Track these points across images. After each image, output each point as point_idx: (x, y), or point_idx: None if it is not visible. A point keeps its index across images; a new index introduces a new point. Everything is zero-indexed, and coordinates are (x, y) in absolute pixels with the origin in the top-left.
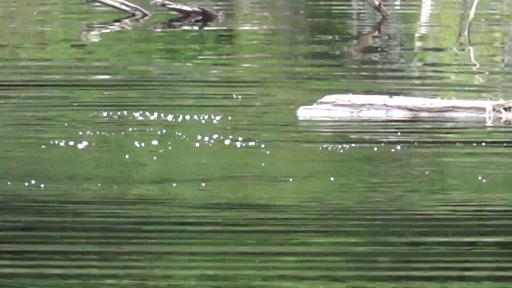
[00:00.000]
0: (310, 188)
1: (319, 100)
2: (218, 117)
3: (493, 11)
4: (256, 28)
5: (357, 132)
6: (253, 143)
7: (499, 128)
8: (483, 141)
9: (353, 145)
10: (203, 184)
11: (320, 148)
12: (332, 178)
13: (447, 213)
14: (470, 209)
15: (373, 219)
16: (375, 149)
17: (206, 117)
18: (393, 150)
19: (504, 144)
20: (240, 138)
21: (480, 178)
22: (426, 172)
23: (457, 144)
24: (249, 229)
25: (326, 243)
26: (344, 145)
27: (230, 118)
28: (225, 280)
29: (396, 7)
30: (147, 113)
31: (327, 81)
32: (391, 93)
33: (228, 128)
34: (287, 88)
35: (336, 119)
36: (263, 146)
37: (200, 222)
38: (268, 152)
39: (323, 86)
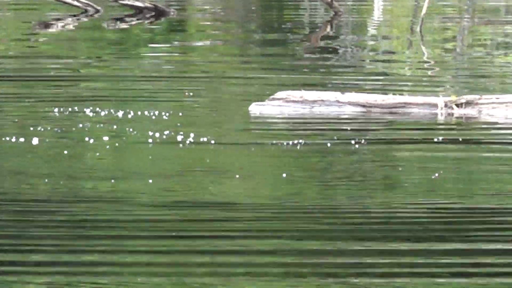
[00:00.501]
0: (262, 185)
1: (271, 97)
2: (169, 113)
3: (445, 7)
4: (208, 23)
5: (310, 128)
6: (204, 139)
7: (451, 124)
8: (435, 137)
9: (305, 141)
10: (154, 181)
11: (272, 144)
12: (284, 175)
13: (401, 212)
14: (424, 208)
15: (326, 217)
16: (328, 145)
17: (157, 113)
18: (345, 146)
19: (456, 140)
20: (192, 135)
21: (433, 174)
22: (379, 169)
23: (409, 140)
24: (200, 227)
25: (278, 243)
26: (297, 141)
27: (181, 114)
28: (175, 276)
29: (349, 2)
30: (98, 109)
31: (279, 78)
32: (343, 89)
33: (179, 124)
34: (239, 85)
35: (288, 115)
36: (214, 142)
37: (150, 219)
38: (220, 148)
39: (275, 82)
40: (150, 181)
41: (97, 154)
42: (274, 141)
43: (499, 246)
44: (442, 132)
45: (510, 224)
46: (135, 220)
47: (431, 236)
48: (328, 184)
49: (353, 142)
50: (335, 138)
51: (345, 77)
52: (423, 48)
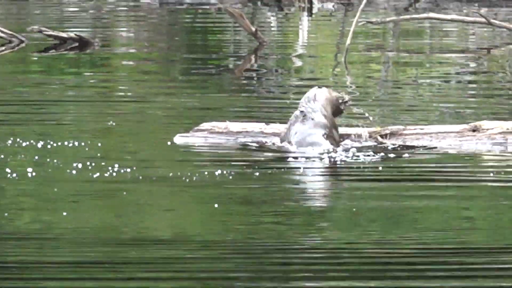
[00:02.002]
0: (190, 217)
1: (196, 128)
2: (93, 143)
3: (370, 38)
4: (133, 51)
5: (235, 159)
6: (127, 170)
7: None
8: (358, 167)
9: (230, 171)
10: (76, 214)
11: (198, 174)
12: (211, 207)
13: (317, 245)
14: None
15: (252, 249)
16: (256, 173)
17: (82, 143)
18: (269, 175)
19: (379, 172)
20: (116, 165)
21: (353, 209)
22: (300, 200)
23: (334, 171)
24: (121, 262)
25: (205, 276)
26: (222, 171)
27: (103, 143)
28: None
29: (274, 33)
30: (19, 139)
31: (204, 109)
32: (267, 121)
33: (101, 154)
34: (163, 115)
35: (213, 145)
36: (138, 174)
37: (71, 254)
38: (144, 180)
39: (200, 113)
40: (65, 213)
41: (20, 186)
42: (201, 171)
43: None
44: (366, 162)
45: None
46: (56, 255)
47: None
48: (255, 216)
49: (270, 172)
50: (256, 167)
51: (270, 108)
52: (348, 79)
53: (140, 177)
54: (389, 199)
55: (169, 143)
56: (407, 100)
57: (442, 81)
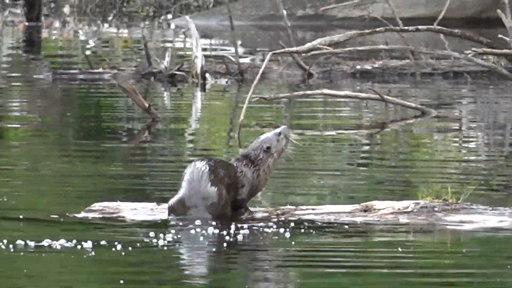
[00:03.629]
0: None
1: (87, 208)
2: None
3: (263, 112)
4: (24, 127)
5: (127, 239)
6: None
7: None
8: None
9: (119, 251)
10: None
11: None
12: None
13: None
14: None
15: None
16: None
17: None
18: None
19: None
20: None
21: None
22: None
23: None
24: None
25: None
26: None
27: None
28: None
29: (167, 109)
30: None
31: (94, 189)
32: (157, 201)
33: None
34: (55, 193)
35: (104, 225)
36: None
37: None
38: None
39: (92, 194)
40: None
41: None
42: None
43: None
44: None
45: None
46: None
47: None
48: None
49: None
50: (148, 247)
51: (163, 187)
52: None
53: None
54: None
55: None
56: (299, 179)
57: (335, 159)
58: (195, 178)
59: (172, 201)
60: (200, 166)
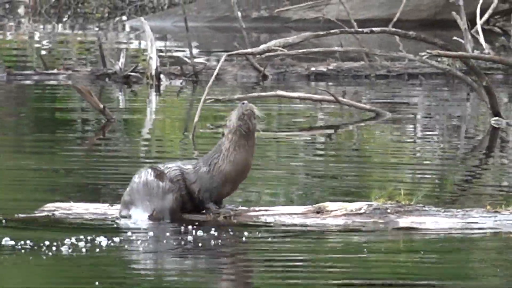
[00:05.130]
0: None
1: (40, 208)
2: None
3: (218, 112)
4: None
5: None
6: None
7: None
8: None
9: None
10: None
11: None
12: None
13: None
14: None
15: None
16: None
17: None
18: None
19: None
20: None
21: None
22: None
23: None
24: None
25: None
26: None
27: None
28: None
29: (122, 110)
30: None
31: (49, 191)
32: (111, 202)
33: None
34: (7, 197)
35: (56, 225)
36: None
37: None
38: None
39: (45, 195)
40: None
41: None
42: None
43: None
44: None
45: None
46: None
47: None
48: None
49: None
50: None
51: (117, 188)
52: (196, 157)
53: None
54: None
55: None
56: (253, 180)
57: (288, 160)
58: (140, 181)
59: (121, 200)
60: (146, 171)
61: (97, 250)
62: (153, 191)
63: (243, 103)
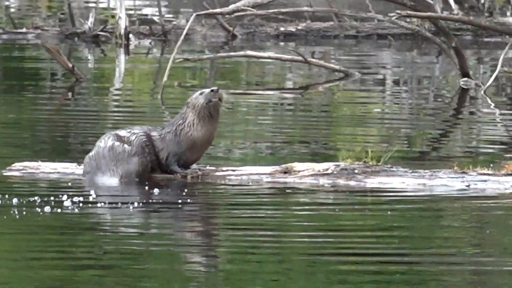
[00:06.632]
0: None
1: (8, 168)
2: None
3: (186, 70)
4: None
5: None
6: None
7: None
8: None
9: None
10: None
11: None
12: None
13: None
14: None
15: None
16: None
17: None
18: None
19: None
20: None
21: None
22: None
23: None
24: None
25: None
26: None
27: None
28: None
29: (91, 69)
30: None
31: (16, 149)
32: (78, 161)
33: None
34: None
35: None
36: None
37: None
38: None
39: (13, 153)
40: None
41: None
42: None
43: None
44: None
45: None
46: None
47: None
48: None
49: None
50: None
51: (84, 147)
52: (165, 116)
53: None
54: None
55: None
56: (222, 139)
57: (257, 120)
58: (105, 145)
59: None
60: (111, 135)
61: (62, 210)
62: (118, 156)
63: (213, 90)
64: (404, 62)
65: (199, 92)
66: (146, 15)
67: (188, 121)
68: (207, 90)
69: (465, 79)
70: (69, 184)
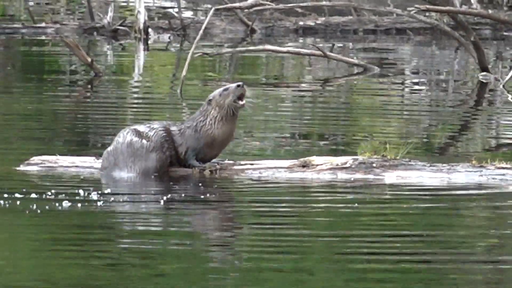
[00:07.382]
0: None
1: (26, 162)
2: None
3: (206, 67)
4: None
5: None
6: None
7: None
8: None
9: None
10: None
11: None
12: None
13: None
14: None
15: None
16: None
17: None
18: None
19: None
20: None
21: None
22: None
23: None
24: None
25: None
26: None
27: None
28: None
29: (110, 63)
30: None
31: (35, 142)
32: (97, 155)
33: None
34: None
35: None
36: None
37: None
38: None
39: (32, 146)
40: None
41: None
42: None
43: None
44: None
45: None
46: None
47: None
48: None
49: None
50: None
51: (104, 141)
52: (185, 110)
53: None
54: None
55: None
56: (241, 133)
57: (277, 114)
58: (124, 141)
59: (103, 157)
60: (128, 130)
61: (82, 204)
62: (137, 152)
63: (239, 85)
64: (423, 55)
65: (222, 88)
66: (166, 10)
67: (210, 118)
68: (232, 86)
69: (484, 73)
70: (85, 178)
